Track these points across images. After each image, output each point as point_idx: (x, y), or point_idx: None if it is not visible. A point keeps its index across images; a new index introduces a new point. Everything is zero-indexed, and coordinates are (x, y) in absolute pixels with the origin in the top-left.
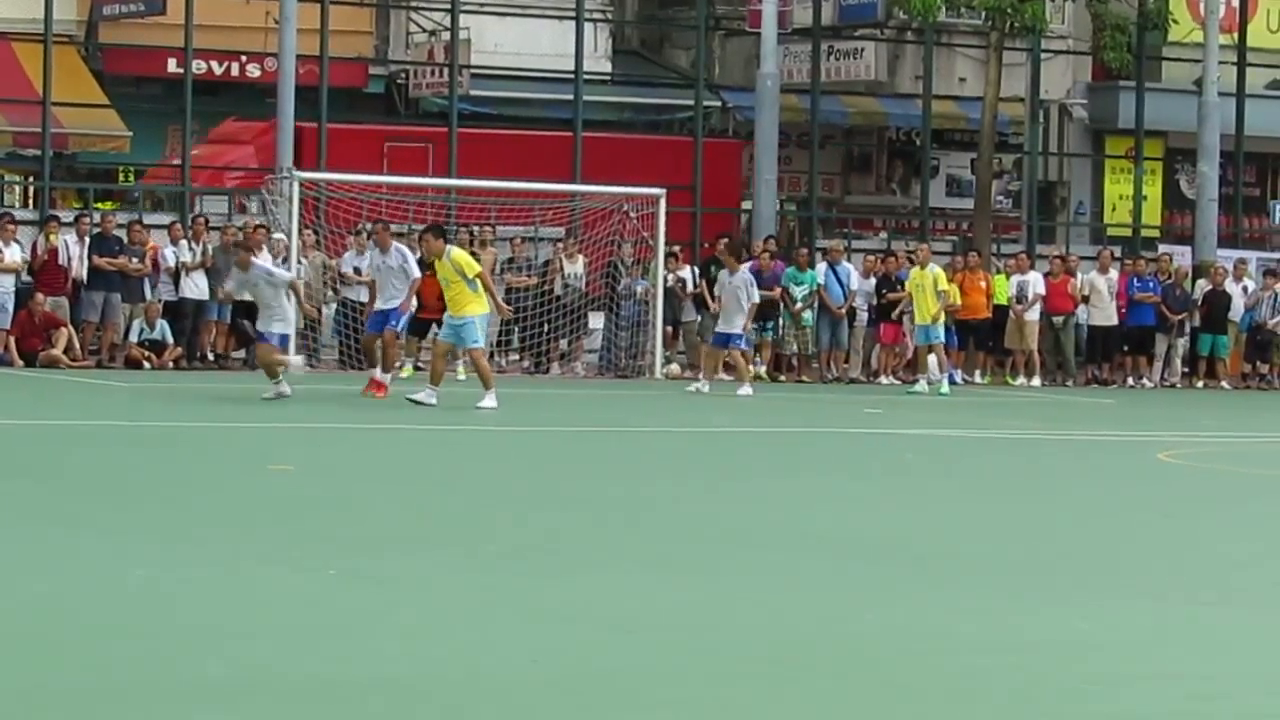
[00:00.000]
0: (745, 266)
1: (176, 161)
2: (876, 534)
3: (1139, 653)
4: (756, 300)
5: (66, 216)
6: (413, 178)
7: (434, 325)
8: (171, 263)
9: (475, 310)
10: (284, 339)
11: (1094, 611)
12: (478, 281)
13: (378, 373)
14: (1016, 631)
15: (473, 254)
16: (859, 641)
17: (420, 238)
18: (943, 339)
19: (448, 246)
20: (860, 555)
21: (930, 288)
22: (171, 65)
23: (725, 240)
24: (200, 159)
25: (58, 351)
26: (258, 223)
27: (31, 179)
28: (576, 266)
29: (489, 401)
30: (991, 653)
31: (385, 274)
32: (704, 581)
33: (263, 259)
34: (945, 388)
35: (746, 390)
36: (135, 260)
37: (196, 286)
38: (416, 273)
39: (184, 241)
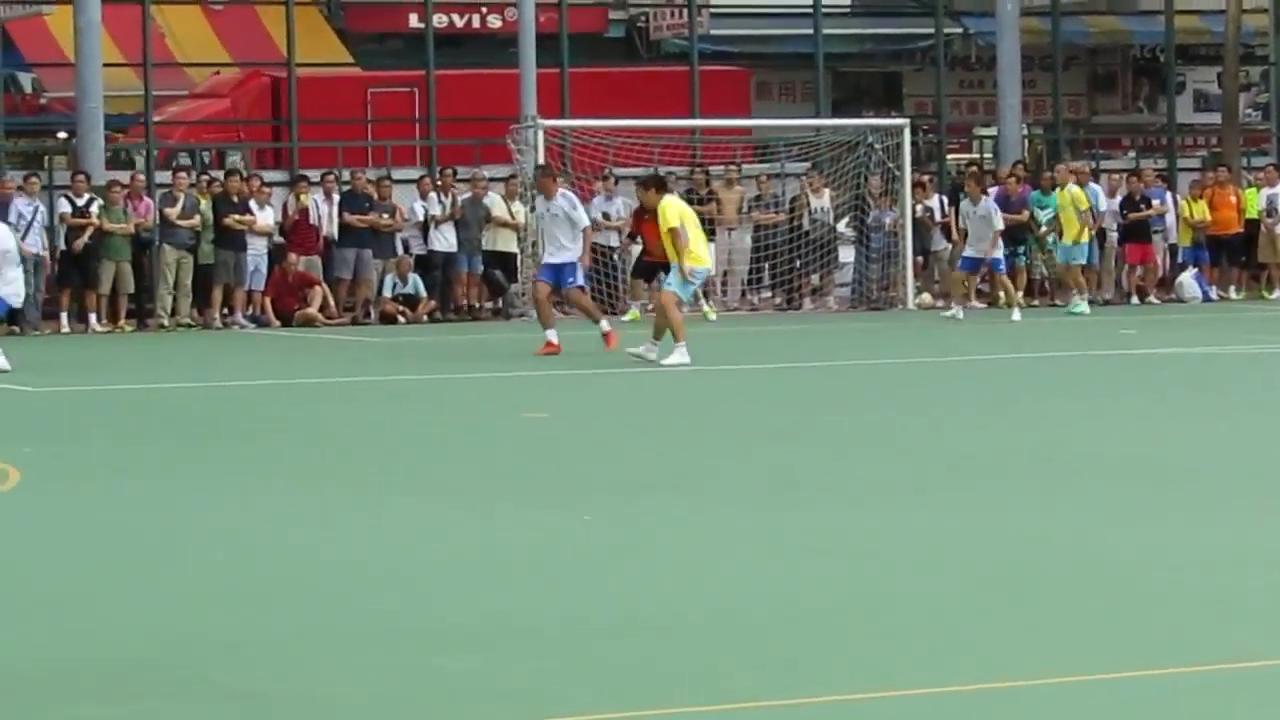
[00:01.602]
0: (992, 191)
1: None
2: (1130, 454)
3: None
4: (1000, 226)
5: (314, 175)
6: (656, 120)
7: (661, 270)
8: (421, 216)
9: (690, 262)
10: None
11: None
12: (686, 231)
13: (550, 334)
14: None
15: (709, 196)
16: (1101, 561)
17: (639, 187)
18: (1083, 260)
19: (662, 196)
20: (1108, 474)
21: (1070, 207)
22: (413, 20)
23: (972, 167)
24: (178, 115)
25: (313, 310)
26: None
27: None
28: (823, 200)
29: (677, 357)
30: (1238, 568)
31: (549, 223)
32: (953, 508)
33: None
34: (1083, 307)
35: (1016, 315)
36: (385, 216)
37: (445, 239)
38: (585, 220)
39: (432, 194)
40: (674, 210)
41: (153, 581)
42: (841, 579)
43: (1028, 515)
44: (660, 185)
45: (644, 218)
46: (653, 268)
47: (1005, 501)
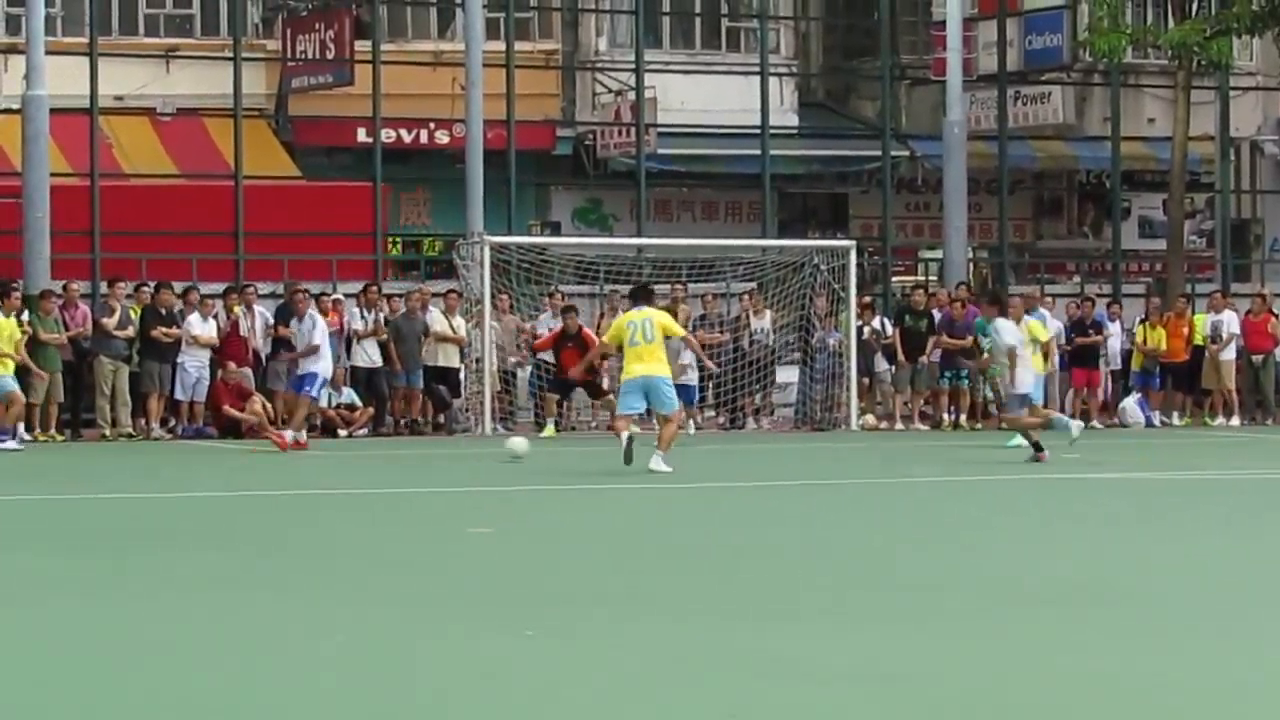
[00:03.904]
0: (937, 314)
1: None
2: (1070, 578)
3: None
4: (1012, 342)
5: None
6: (603, 238)
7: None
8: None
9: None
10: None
11: None
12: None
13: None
14: (1228, 673)
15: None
16: (1054, 689)
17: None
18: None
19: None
20: (1051, 601)
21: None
22: (361, 135)
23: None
24: None
25: (261, 419)
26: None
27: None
28: (764, 321)
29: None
30: (1195, 694)
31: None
32: (897, 631)
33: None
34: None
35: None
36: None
37: (367, 355)
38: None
39: (357, 310)
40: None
41: (84, 695)
42: (782, 700)
43: (973, 641)
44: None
45: (566, 344)
46: (568, 385)
47: (953, 626)
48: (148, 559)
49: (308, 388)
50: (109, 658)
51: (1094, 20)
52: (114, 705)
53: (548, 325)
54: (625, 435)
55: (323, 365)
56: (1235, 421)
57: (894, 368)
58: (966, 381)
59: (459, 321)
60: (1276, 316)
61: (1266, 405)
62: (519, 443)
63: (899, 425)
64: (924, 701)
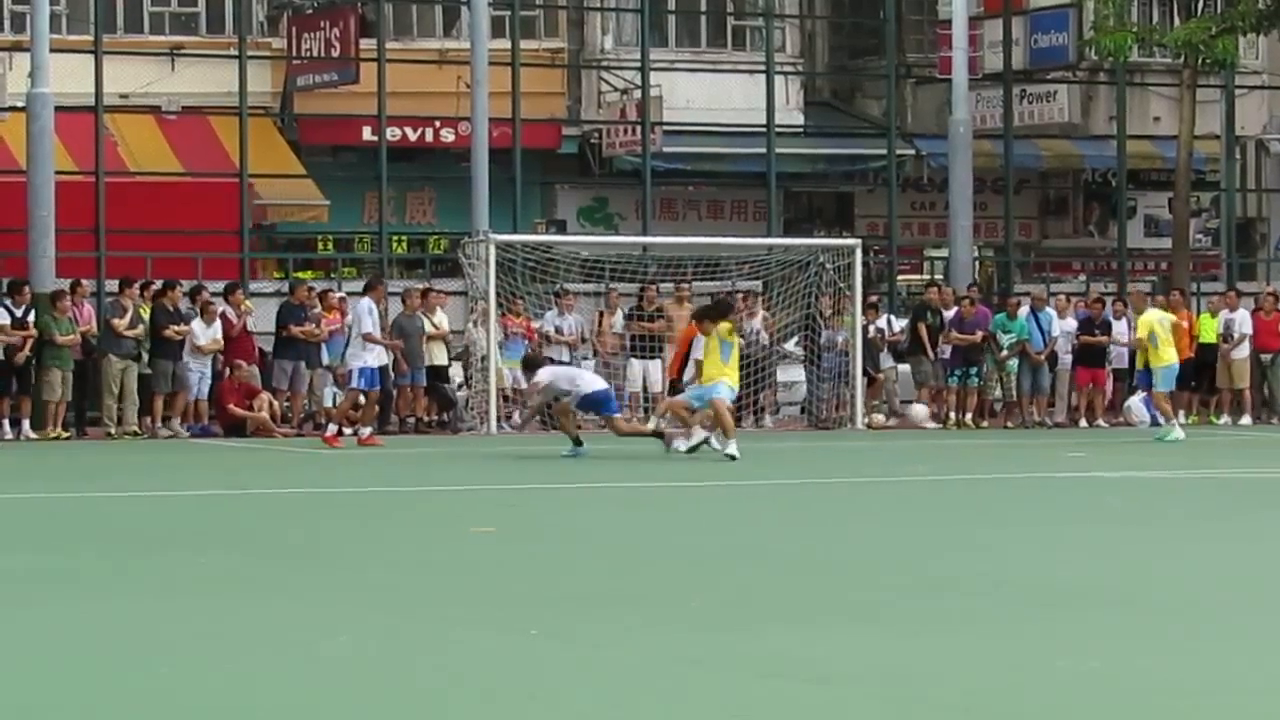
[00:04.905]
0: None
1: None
2: (1074, 579)
3: None
4: None
5: (267, 286)
6: (608, 236)
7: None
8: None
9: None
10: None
11: None
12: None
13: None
14: (1228, 674)
15: (658, 314)
16: (1054, 690)
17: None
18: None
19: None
20: (1055, 601)
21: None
22: (366, 133)
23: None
24: None
25: (264, 416)
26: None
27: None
28: (754, 323)
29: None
30: (1196, 695)
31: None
32: (900, 632)
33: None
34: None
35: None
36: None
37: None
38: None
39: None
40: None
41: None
42: (785, 701)
43: (976, 641)
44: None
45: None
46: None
47: (956, 626)
48: (150, 560)
49: (363, 381)
50: (102, 658)
51: (1099, 19)
52: (113, 706)
53: (553, 324)
54: (703, 434)
55: (372, 356)
56: (1246, 420)
57: (901, 366)
58: (978, 380)
59: (439, 317)
60: None
61: (1273, 405)
62: (920, 411)
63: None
64: (927, 702)
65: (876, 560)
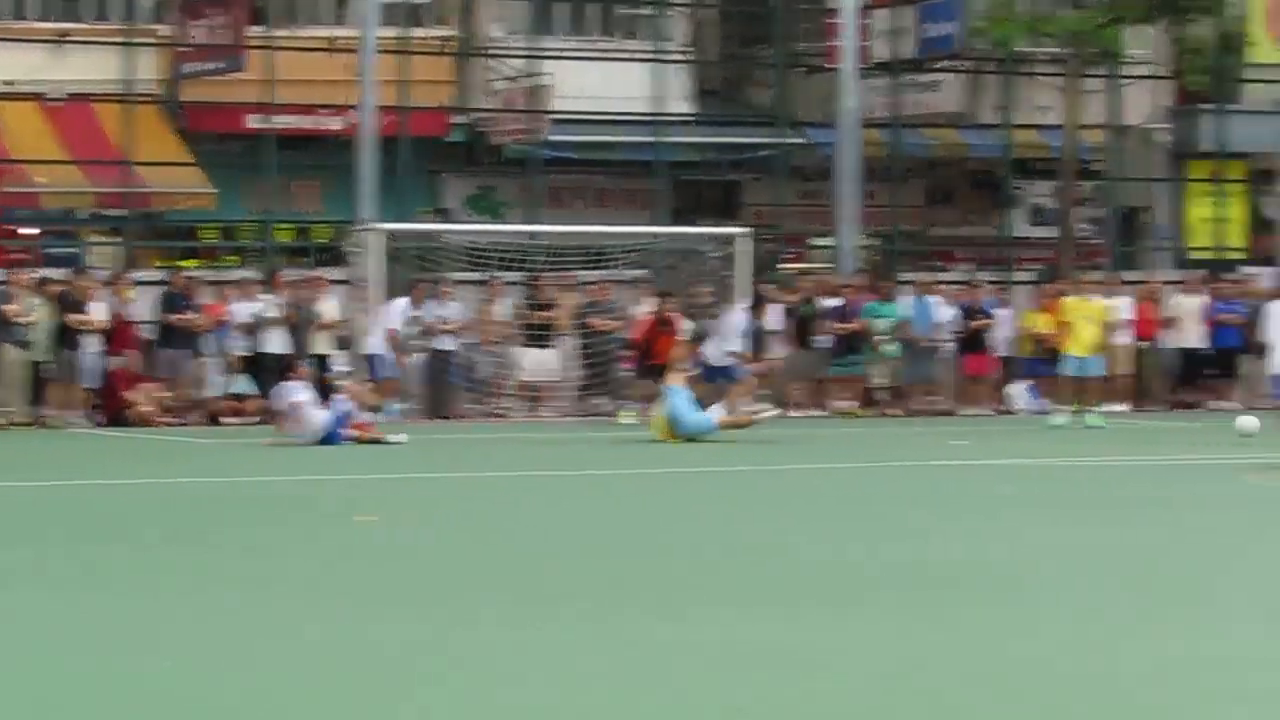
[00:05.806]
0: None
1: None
2: (957, 564)
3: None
4: None
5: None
6: (494, 225)
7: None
8: (246, 317)
9: None
10: None
11: (1214, 632)
12: None
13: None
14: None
15: (549, 302)
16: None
17: None
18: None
19: None
20: (940, 585)
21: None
22: (253, 121)
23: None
24: None
25: (149, 407)
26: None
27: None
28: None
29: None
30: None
31: None
32: (799, 619)
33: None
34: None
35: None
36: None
37: (276, 342)
38: None
39: (263, 297)
40: None
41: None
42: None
43: (874, 628)
44: None
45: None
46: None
47: (860, 613)
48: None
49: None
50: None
51: (992, 7)
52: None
53: (436, 314)
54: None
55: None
56: (1123, 407)
57: (784, 355)
58: (861, 368)
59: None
60: (1160, 303)
61: (1150, 391)
62: (1250, 422)
63: (792, 412)
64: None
65: (787, 552)
